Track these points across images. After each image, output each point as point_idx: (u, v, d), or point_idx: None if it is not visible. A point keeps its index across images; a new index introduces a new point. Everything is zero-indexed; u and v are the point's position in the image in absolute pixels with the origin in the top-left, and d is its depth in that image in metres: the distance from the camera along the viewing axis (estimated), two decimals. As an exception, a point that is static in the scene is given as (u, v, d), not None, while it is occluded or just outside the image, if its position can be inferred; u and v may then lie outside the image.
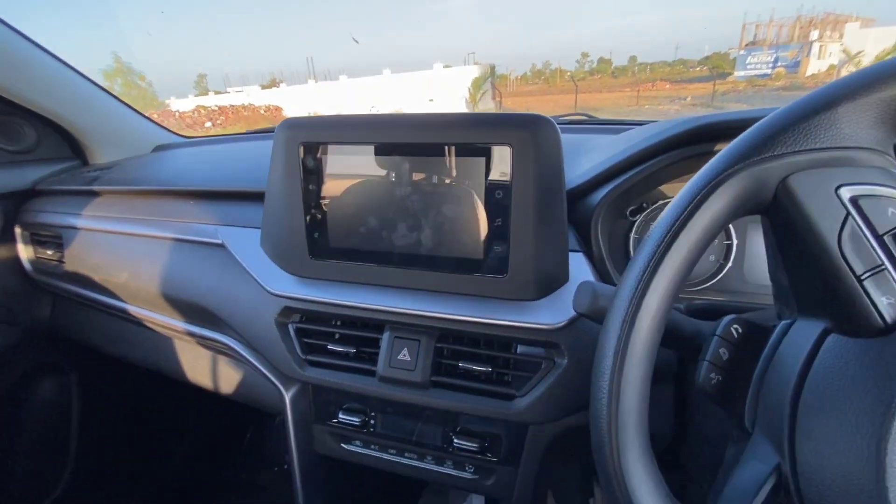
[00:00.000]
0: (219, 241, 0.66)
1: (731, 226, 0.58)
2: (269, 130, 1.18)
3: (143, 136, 1.12)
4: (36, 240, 0.91)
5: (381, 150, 0.51)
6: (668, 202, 0.58)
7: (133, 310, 0.78)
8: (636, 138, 0.55)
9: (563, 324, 0.48)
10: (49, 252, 0.89)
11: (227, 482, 1.38)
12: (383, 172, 0.52)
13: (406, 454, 0.61)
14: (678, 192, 0.57)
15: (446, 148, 0.49)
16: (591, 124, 0.91)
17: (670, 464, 0.48)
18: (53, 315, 0.99)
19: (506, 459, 0.57)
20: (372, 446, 0.63)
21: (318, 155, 0.54)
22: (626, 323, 0.29)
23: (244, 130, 1.26)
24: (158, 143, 1.14)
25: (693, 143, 0.49)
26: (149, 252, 0.73)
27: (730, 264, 0.58)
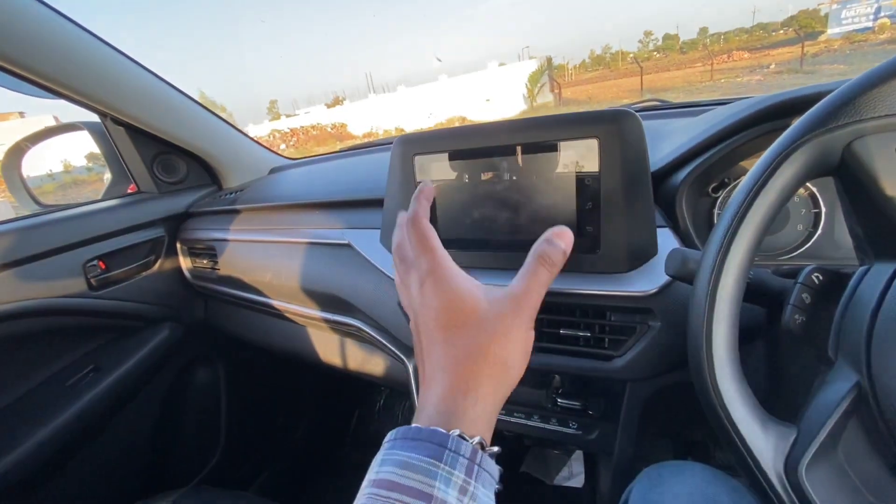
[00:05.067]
0: (346, 242, 0.80)
1: (818, 195, 0.60)
2: (365, 146, 1.34)
3: (261, 161, 1.32)
4: (193, 252, 1.13)
5: (481, 154, 0.61)
6: (748, 176, 0.62)
7: (276, 303, 0.96)
8: (713, 120, 0.59)
9: (654, 290, 0.55)
10: (204, 261, 1.10)
11: (339, 460, 1.56)
12: (483, 172, 0.62)
13: (515, 414, 0.70)
14: (757, 166, 0.61)
15: (539, 146, 0.57)
16: (667, 108, 0.95)
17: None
18: (206, 314, 1.21)
19: (606, 416, 0.64)
20: (484, 408, 0.73)
21: (429, 162, 0.65)
22: (715, 268, 0.36)
23: (318, 146, 1.44)
24: (273, 166, 1.34)
25: (768, 119, 0.53)
26: (288, 255, 0.89)
27: (819, 232, 0.61)
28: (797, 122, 0.35)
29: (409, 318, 0.39)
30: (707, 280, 0.37)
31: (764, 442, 0.34)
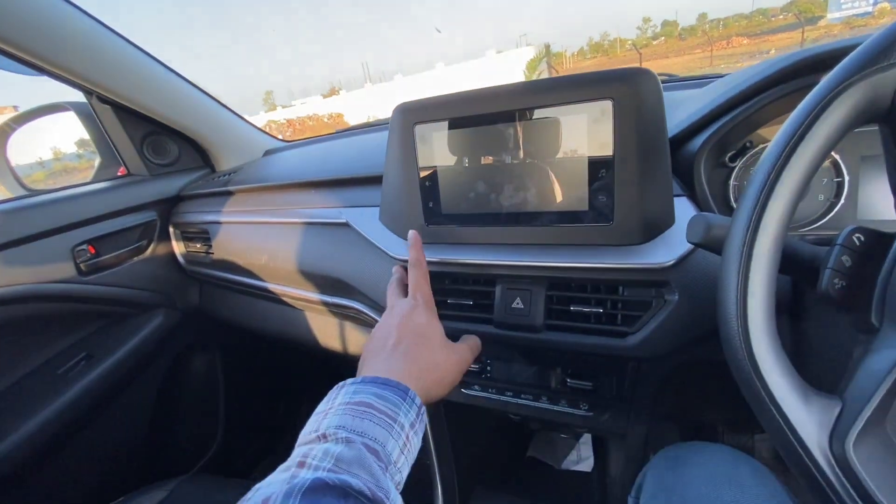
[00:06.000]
0: (343, 221, 0.77)
1: (841, 163, 0.57)
2: (359, 127, 1.29)
3: (255, 143, 1.28)
4: (186, 237, 1.09)
5: (486, 120, 0.57)
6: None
7: (273, 287, 0.92)
8: (734, 80, 0.56)
9: (672, 262, 0.52)
10: (198, 245, 1.06)
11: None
12: (488, 140, 0.58)
13: (522, 395, 0.68)
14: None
15: (548, 109, 0.53)
16: (674, 82, 0.91)
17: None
18: (201, 300, 1.18)
19: (619, 396, 0.62)
20: (490, 390, 0.70)
21: (430, 132, 0.61)
22: (751, 225, 0.33)
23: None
24: (267, 148, 1.30)
25: (796, 77, 0.50)
26: (284, 236, 0.86)
27: (842, 201, 0.58)
28: (844, 62, 0.32)
29: (388, 306, 0.55)
30: (742, 239, 0.33)
31: (806, 415, 0.31)
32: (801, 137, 0.32)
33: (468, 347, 0.53)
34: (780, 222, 0.33)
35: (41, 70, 0.86)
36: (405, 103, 0.63)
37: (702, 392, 0.83)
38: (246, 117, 1.29)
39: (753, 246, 0.33)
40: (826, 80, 0.32)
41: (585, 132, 0.52)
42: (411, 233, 0.58)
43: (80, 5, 0.89)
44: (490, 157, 0.58)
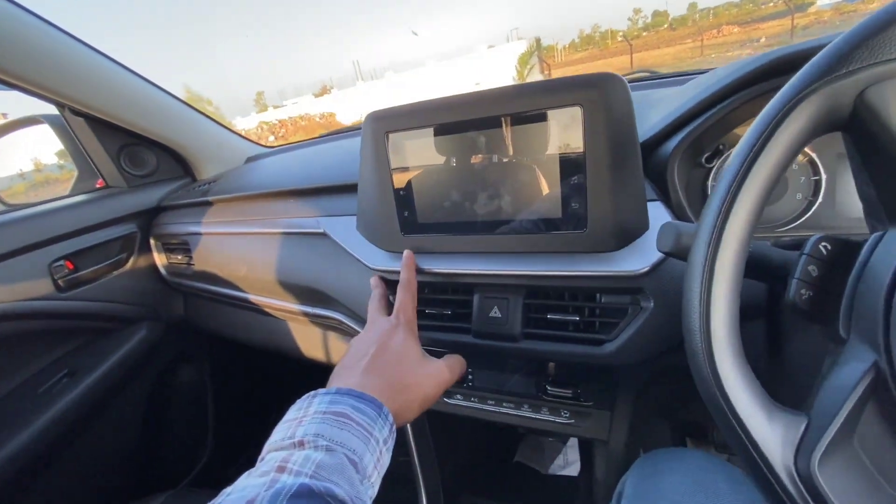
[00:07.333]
0: (321, 231, 0.76)
1: (819, 161, 0.57)
2: (342, 131, 1.28)
3: (236, 150, 1.27)
4: (167, 248, 1.08)
5: (457, 128, 0.56)
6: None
7: (254, 298, 0.91)
8: (706, 83, 0.55)
9: (646, 269, 0.51)
10: (179, 257, 1.05)
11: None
12: (461, 148, 0.57)
13: (504, 404, 0.67)
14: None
15: (518, 116, 0.53)
16: (655, 79, 0.90)
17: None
18: (186, 311, 1.17)
19: (600, 403, 0.61)
20: (472, 399, 0.70)
21: (403, 140, 0.60)
22: (713, 239, 0.32)
23: (307, 137, 1.38)
24: (249, 155, 1.28)
25: (766, 78, 0.49)
26: (263, 247, 0.85)
27: (819, 200, 0.57)
28: (802, 70, 0.31)
29: (369, 321, 0.55)
30: (704, 254, 0.33)
31: (770, 433, 0.30)
32: (762, 148, 0.31)
33: (447, 367, 0.52)
34: (743, 233, 0.32)
35: (8, 85, 0.84)
36: (377, 111, 0.62)
37: (688, 392, 0.83)
38: (238, 119, 1.30)
39: (716, 259, 0.32)
40: (784, 89, 0.31)
41: (556, 139, 0.51)
42: (406, 252, 0.60)
43: (49, 18, 0.87)
44: (463, 165, 0.57)
